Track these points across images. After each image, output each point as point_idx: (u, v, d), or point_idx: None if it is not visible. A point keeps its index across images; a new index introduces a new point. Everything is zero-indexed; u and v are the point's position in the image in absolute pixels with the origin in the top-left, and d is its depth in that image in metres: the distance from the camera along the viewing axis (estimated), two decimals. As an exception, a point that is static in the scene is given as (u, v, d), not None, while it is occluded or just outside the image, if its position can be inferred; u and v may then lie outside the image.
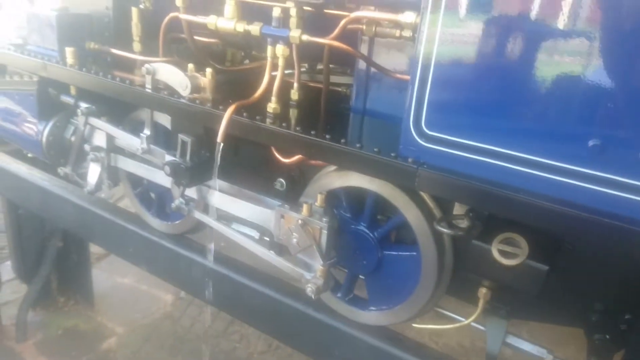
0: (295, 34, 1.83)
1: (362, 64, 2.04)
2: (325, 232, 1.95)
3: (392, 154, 1.63)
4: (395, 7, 1.67)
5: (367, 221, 2.05)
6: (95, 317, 4.86)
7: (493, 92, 1.44)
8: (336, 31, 1.80)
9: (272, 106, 1.95)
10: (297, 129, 1.79)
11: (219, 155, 1.84)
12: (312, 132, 1.77)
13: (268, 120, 1.90)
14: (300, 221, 1.97)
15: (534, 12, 1.33)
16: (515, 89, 1.41)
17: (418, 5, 1.55)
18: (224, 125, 1.83)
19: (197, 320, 4.91)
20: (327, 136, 1.74)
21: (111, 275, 5.33)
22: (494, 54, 1.42)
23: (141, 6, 2.66)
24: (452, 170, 1.55)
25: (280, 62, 1.90)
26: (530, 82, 1.38)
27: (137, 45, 2.68)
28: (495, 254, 1.60)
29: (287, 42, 1.86)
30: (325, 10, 2.09)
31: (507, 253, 1.60)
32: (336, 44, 1.80)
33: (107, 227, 2.85)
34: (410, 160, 1.60)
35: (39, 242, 4.36)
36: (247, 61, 3.07)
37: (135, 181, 2.75)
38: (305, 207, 1.97)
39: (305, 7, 1.91)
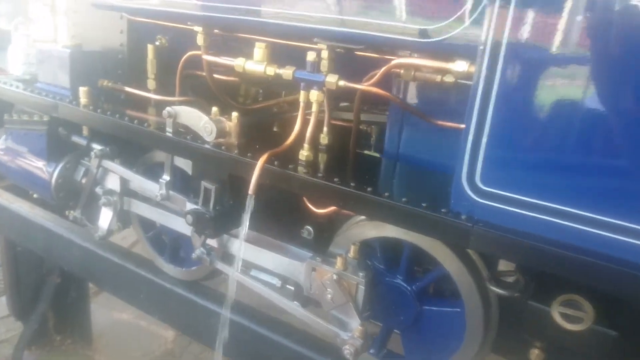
0: (331, 79, 1.71)
1: (396, 107, 1.92)
2: (362, 287, 1.81)
3: (443, 210, 1.50)
4: (442, 55, 1.56)
5: (404, 274, 1.91)
6: (93, 356, 4.61)
7: (559, 146, 1.32)
8: (376, 77, 1.69)
9: (304, 153, 1.82)
10: (335, 180, 1.66)
11: (250, 208, 1.70)
12: (352, 184, 1.63)
13: (301, 169, 1.77)
14: (334, 276, 1.82)
15: (607, 66, 1.23)
16: (584, 143, 1.30)
17: (468, 53, 1.45)
18: (256, 176, 1.69)
19: (200, 358, 4.68)
20: (369, 189, 1.61)
21: (109, 311, 5.09)
22: (559, 104, 1.31)
23: (157, 43, 2.54)
24: (507, 227, 1.42)
25: (314, 108, 1.78)
26: (600, 137, 1.27)
27: (151, 83, 2.56)
28: (557, 318, 1.47)
29: (321, 87, 1.74)
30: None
31: (570, 316, 1.46)
32: (375, 90, 1.69)
33: (116, 272, 2.67)
34: (463, 217, 1.47)
35: (36, 278, 4.13)
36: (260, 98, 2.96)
37: (147, 224, 2.59)
38: (339, 260, 1.83)
39: (338, 50, 1.80)
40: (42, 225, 2.88)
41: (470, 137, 1.43)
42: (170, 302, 2.51)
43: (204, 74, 2.55)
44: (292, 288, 2.10)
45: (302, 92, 1.79)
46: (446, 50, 1.54)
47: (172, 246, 2.57)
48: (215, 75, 2.36)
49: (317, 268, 1.89)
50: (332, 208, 1.87)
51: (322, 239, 2.11)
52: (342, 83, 1.71)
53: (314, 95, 1.75)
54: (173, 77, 2.50)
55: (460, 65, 1.51)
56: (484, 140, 1.41)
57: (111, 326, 4.95)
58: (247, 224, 1.75)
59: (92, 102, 2.33)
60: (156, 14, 2.25)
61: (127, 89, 2.52)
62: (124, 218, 2.64)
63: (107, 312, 5.06)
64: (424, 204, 1.53)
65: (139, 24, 2.51)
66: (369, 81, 1.75)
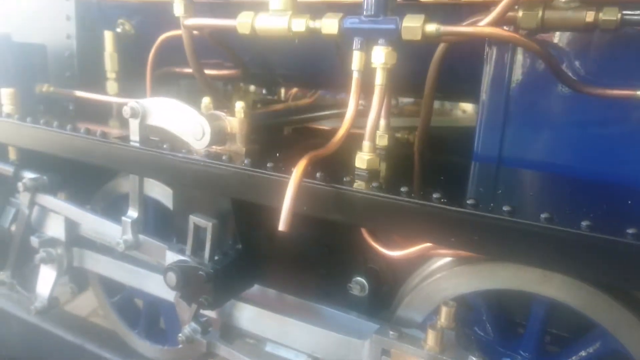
0: (413, 22, 0.95)
1: (494, 85, 1.17)
2: (478, 383, 1.01)
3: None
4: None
5: (532, 349, 1.12)
6: None
7: None
8: (496, 13, 0.93)
9: (364, 157, 1.04)
10: (443, 200, 0.88)
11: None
12: (475, 204, 0.86)
13: (361, 183, 0.99)
14: (430, 366, 1.02)
15: None
16: None
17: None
18: (291, 199, 0.90)
19: None
20: (507, 209, 0.83)
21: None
22: None
23: (119, 30, 1.78)
24: None
25: (380, 77, 1.01)
26: None
27: (112, 85, 1.79)
28: None
29: (393, 38, 0.98)
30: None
31: None
32: (499, 32, 0.93)
33: (71, 356, 1.82)
34: None
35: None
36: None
37: (112, 285, 1.75)
38: (430, 336, 1.04)
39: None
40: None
41: None
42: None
43: (185, 70, 1.80)
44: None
45: (356, 55, 1.02)
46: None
47: (148, 314, 1.74)
48: (206, 71, 1.61)
49: (393, 350, 1.08)
50: (419, 247, 1.08)
51: (382, 297, 1.32)
52: (434, 27, 0.94)
53: (382, 54, 0.98)
54: (142, 77, 1.74)
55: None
56: None
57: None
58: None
59: (20, 109, 1.53)
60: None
61: (78, 93, 1.74)
62: (77, 278, 1.81)
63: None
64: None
65: (93, 4, 1.76)
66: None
